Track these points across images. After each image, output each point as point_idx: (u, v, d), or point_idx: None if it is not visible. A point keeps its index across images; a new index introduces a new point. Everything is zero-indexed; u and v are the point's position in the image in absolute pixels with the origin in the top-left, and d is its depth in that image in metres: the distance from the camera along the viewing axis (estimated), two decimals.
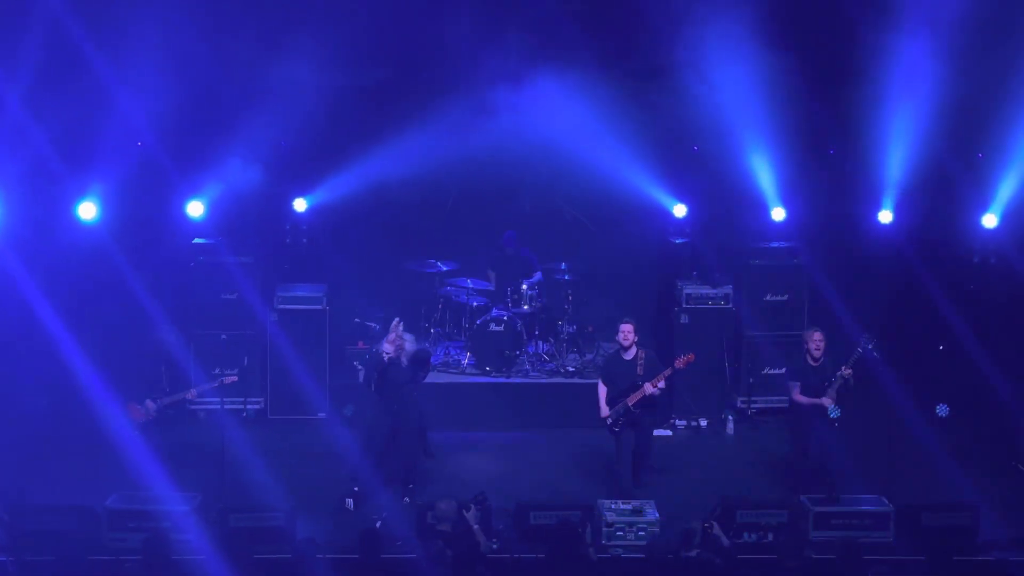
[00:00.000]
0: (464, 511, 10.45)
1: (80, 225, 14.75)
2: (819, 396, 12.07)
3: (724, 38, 15.45)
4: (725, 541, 10.26)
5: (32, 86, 14.52)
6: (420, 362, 12.64)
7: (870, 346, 12.16)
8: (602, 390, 12.83)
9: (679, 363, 12.70)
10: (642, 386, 12.50)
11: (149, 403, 11.97)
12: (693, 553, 10.01)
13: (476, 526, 10.44)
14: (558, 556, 9.80)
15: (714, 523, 10.38)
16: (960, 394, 15.13)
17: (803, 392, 12.17)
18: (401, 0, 15.59)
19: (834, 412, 12.09)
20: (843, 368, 12.04)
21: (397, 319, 12.63)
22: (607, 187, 15.70)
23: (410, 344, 12.54)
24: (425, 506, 11.32)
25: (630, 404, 12.57)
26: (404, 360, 12.42)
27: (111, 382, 12.41)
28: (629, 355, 12.68)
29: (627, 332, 12.61)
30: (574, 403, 14.70)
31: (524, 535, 11.31)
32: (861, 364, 12.20)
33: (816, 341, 12.14)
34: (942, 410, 13.13)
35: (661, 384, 12.52)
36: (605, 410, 12.71)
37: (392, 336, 12.38)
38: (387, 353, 12.30)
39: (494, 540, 11.01)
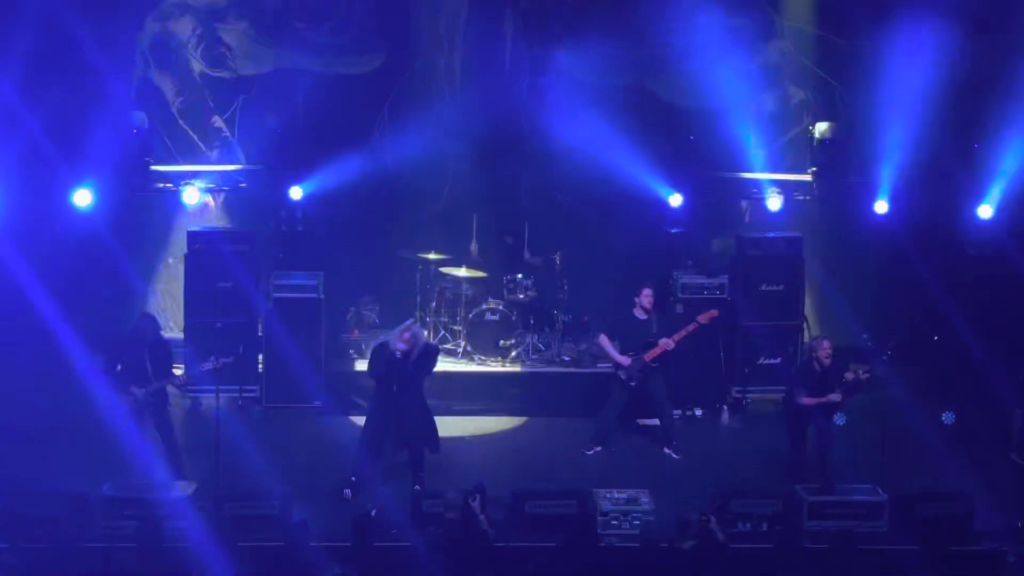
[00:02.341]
0: (470, 500, 10.42)
1: (75, 212, 14.73)
2: (825, 395, 12.04)
3: (722, 26, 15.47)
4: (720, 535, 10.25)
5: (26, 73, 14.49)
6: (428, 356, 12.44)
7: (888, 352, 12.17)
8: (607, 341, 13.17)
9: (702, 318, 13.24)
10: (659, 342, 12.91)
11: (135, 390, 11.93)
12: (688, 545, 10.01)
13: (482, 515, 10.41)
14: (570, 545, 9.83)
15: (711, 516, 10.37)
16: (954, 384, 15.17)
17: (809, 396, 12.12)
18: None
19: (840, 419, 12.13)
20: (860, 371, 12.02)
21: (412, 320, 12.51)
22: (603, 176, 15.70)
23: (423, 341, 12.40)
24: (421, 494, 11.31)
25: (648, 359, 12.91)
26: (414, 355, 12.18)
27: (105, 369, 12.35)
28: (642, 315, 13.11)
29: (647, 295, 13.13)
30: (569, 392, 14.72)
31: (520, 524, 11.30)
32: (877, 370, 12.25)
33: (826, 349, 12.11)
34: (948, 417, 13.19)
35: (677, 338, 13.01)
36: (625, 360, 13.05)
37: (407, 336, 12.12)
38: (400, 350, 12.09)
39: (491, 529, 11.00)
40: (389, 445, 12.27)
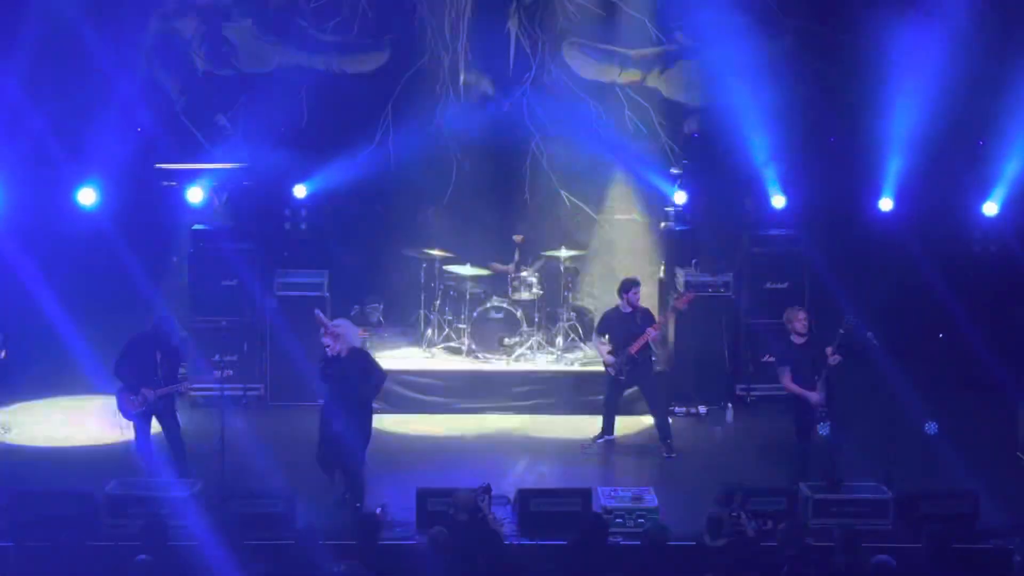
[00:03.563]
0: (480, 501, 10.37)
1: (79, 211, 14.75)
2: (811, 377, 12.01)
3: (725, 24, 15.45)
4: (751, 531, 10.18)
5: (31, 71, 14.52)
6: (367, 362, 11.84)
7: (853, 323, 12.00)
8: (599, 342, 13.48)
9: (679, 303, 13.50)
10: (644, 332, 13.07)
11: (146, 391, 11.91)
12: (721, 542, 9.93)
13: (491, 515, 10.37)
14: (576, 543, 9.80)
15: (742, 512, 10.32)
16: (960, 381, 15.16)
17: (794, 375, 12.11)
18: None
19: (824, 429, 12.06)
20: (830, 352, 11.93)
21: (316, 310, 12.04)
22: (607, 174, 15.68)
23: (352, 335, 11.72)
24: (427, 492, 11.29)
25: (632, 352, 13.11)
26: (344, 350, 11.59)
27: (117, 367, 12.35)
28: (627, 309, 13.26)
29: (636, 293, 13.31)
30: (573, 390, 14.71)
31: (525, 522, 11.28)
32: (848, 343, 12.09)
33: (801, 320, 12.09)
34: (931, 428, 13.12)
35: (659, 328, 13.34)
36: (610, 359, 13.27)
37: (330, 334, 11.57)
38: (329, 347, 11.59)
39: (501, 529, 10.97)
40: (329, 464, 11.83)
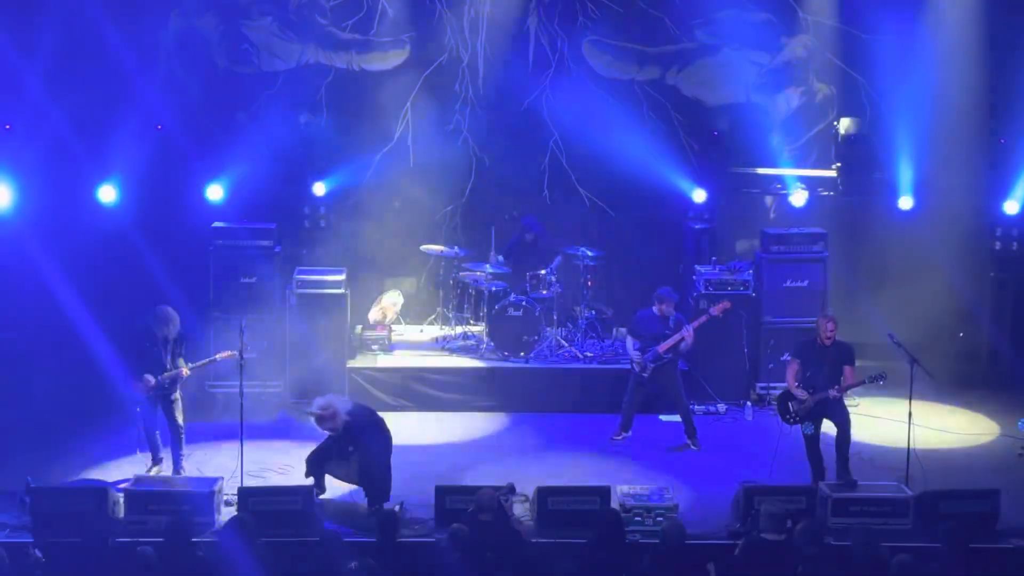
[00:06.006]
0: (503, 500, 10.34)
1: (100, 208, 14.81)
2: (816, 377, 11.99)
3: (744, 21, 15.45)
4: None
5: (52, 69, 14.59)
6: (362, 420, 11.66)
7: (886, 378, 12.06)
8: (631, 343, 13.43)
9: (715, 310, 13.44)
10: (676, 334, 13.10)
11: (148, 377, 12.04)
12: (782, 537, 9.84)
13: (514, 515, 10.34)
14: (594, 541, 9.80)
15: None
16: (980, 379, 15.10)
17: (803, 369, 12.11)
18: None
19: (808, 428, 12.07)
20: (838, 389, 11.97)
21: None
22: (626, 172, 15.67)
23: (340, 404, 11.56)
24: (445, 490, 11.29)
25: (661, 351, 13.16)
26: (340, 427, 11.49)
27: (128, 364, 12.41)
28: (661, 314, 13.29)
29: (668, 306, 13.27)
30: (592, 388, 14.70)
31: (543, 520, 11.29)
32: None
33: (828, 332, 12.10)
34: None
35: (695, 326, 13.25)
36: (637, 356, 13.30)
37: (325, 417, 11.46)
38: (330, 431, 11.50)
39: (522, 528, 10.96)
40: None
